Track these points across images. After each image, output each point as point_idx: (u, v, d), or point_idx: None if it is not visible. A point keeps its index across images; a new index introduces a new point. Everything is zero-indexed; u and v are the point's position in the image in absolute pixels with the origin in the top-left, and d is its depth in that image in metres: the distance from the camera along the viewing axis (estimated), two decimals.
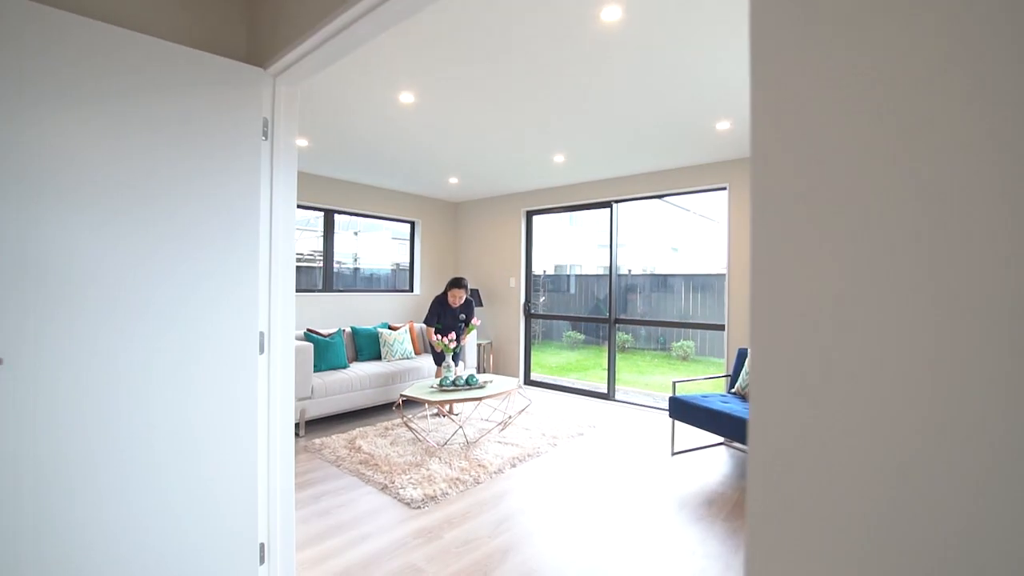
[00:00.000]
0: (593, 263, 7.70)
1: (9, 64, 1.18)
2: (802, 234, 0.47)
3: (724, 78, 2.49)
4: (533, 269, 5.79)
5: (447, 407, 4.02)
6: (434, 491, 2.66)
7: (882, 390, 0.40)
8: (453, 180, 5.02)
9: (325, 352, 4.17)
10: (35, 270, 1.22)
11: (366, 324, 5.22)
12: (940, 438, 0.37)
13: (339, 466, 3.07)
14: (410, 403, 4.47)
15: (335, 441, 3.50)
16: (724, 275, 4.17)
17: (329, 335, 4.32)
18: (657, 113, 3.02)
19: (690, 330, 6.74)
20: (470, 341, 5.04)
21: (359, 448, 3.34)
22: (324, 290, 5.08)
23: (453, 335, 3.91)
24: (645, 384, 6.36)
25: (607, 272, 5.14)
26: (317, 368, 4.09)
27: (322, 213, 5.07)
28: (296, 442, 3.54)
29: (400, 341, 4.81)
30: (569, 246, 8.26)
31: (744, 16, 1.93)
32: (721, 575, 1.98)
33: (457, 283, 4.44)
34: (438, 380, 3.68)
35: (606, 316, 5.13)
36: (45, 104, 1.23)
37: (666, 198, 4.83)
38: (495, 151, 3.94)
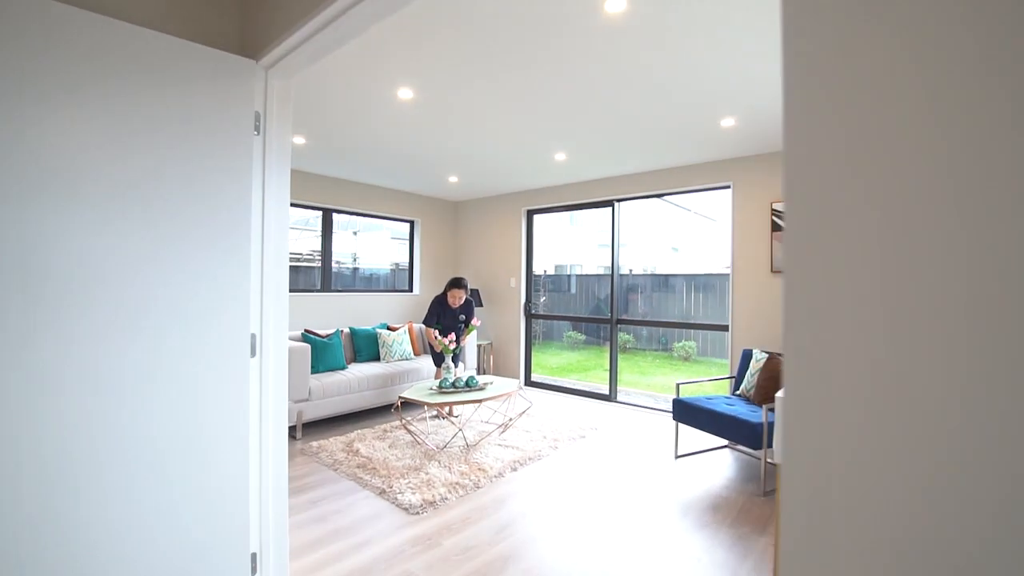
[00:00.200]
0: (593, 263, 7.64)
1: None
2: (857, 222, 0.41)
3: (730, 73, 2.43)
4: (534, 269, 5.73)
5: (446, 409, 3.96)
6: (433, 496, 2.60)
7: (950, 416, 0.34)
8: (453, 179, 4.96)
9: (323, 353, 4.11)
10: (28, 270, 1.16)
11: (365, 325, 5.16)
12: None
13: (336, 470, 3.02)
14: (409, 405, 4.41)
15: (332, 444, 3.44)
16: (726, 275, 4.12)
17: (327, 336, 4.26)
18: (661, 109, 2.96)
19: (691, 330, 6.68)
20: (470, 342, 4.98)
21: (357, 451, 3.28)
22: (322, 290, 5.02)
23: (453, 336, 3.86)
24: (647, 385, 6.30)
25: (608, 272, 5.08)
26: (315, 369, 4.02)
27: (320, 212, 5.01)
28: (293, 445, 3.48)
29: (399, 342, 4.75)
30: (569, 246, 8.21)
31: (748, 8, 1.87)
32: None
33: (457, 283, 4.38)
34: (437, 382, 3.62)
35: (608, 316, 5.07)
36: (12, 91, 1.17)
37: (666, 197, 4.78)
38: (495, 148, 3.88)
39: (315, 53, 1.50)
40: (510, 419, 3.83)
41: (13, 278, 1.16)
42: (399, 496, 2.60)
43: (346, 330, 4.69)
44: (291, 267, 5.02)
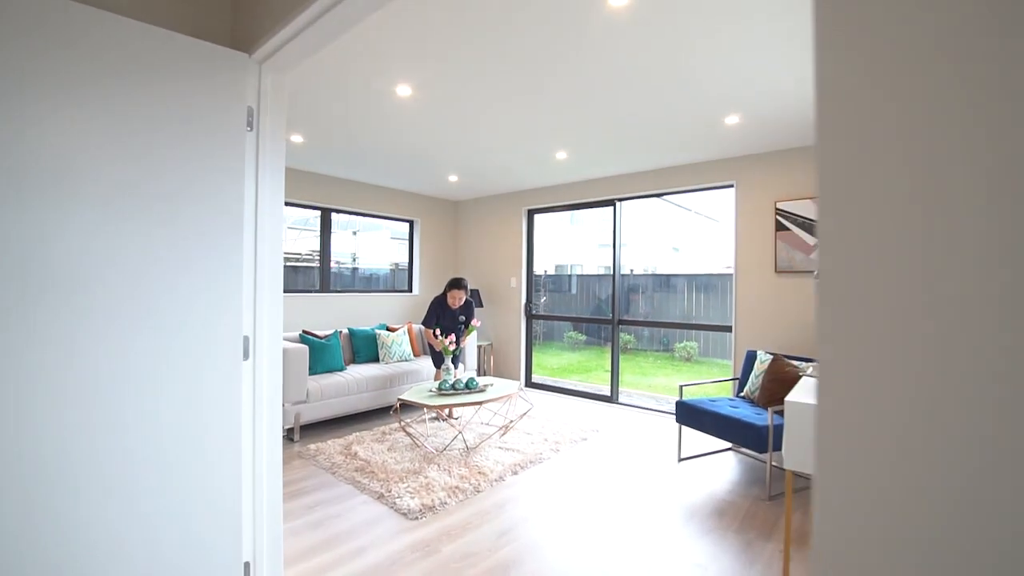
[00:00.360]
0: (594, 263, 7.60)
1: None
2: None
3: (736, 68, 2.38)
4: (534, 269, 5.68)
5: (446, 411, 3.90)
6: (432, 500, 2.55)
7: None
8: (453, 178, 4.91)
9: (321, 354, 4.06)
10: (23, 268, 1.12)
11: (364, 325, 5.11)
12: None
13: (334, 473, 2.97)
14: (408, 407, 4.36)
15: (330, 447, 3.39)
16: (727, 275, 4.07)
17: (325, 337, 4.21)
18: (664, 106, 2.91)
19: (693, 331, 6.63)
20: (470, 343, 4.93)
21: (355, 454, 3.23)
22: (321, 290, 4.97)
23: (453, 337, 3.80)
24: (648, 386, 6.25)
25: (609, 272, 5.03)
26: (312, 371, 3.97)
27: (319, 212, 4.97)
28: (290, 447, 3.43)
29: (398, 343, 4.70)
30: (570, 246, 8.16)
31: (753, 1, 1.82)
32: None
33: (456, 284, 4.33)
34: (437, 383, 3.57)
35: (609, 317, 5.02)
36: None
37: (666, 197, 4.73)
38: (496, 147, 3.83)
39: (309, 46, 1.45)
40: (511, 421, 3.78)
41: (12, 278, 1.13)
42: (398, 500, 2.55)
43: (345, 331, 4.64)
44: (289, 267, 4.97)
